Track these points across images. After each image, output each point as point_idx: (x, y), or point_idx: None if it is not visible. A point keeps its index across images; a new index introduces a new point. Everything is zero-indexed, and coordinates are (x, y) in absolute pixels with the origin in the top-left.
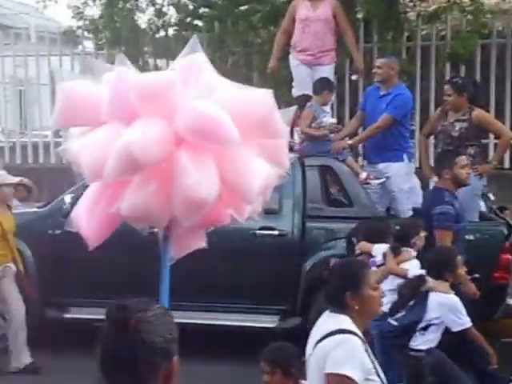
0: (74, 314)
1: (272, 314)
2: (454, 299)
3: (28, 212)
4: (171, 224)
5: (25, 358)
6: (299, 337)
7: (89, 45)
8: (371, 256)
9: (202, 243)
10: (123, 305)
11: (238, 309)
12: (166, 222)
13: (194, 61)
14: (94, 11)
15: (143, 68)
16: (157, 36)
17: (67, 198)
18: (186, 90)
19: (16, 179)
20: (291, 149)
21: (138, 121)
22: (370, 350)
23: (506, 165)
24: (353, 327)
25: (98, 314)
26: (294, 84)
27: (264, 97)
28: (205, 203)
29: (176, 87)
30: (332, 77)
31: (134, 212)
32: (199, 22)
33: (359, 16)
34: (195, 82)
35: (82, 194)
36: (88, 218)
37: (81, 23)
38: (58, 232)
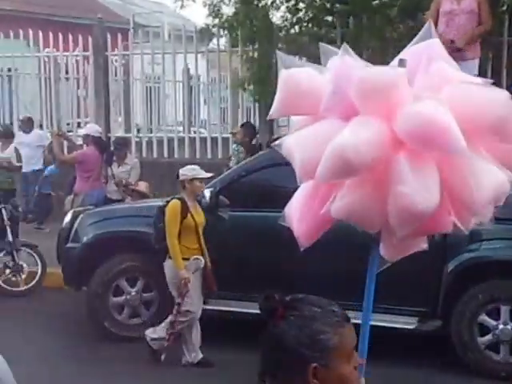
0: (212, 305)
1: (410, 316)
2: None
3: None
4: (384, 229)
5: (198, 354)
6: (439, 340)
7: (221, 42)
8: None
9: (423, 245)
10: (272, 296)
11: (376, 309)
12: (379, 227)
13: (425, 49)
14: (228, 9)
15: (277, 66)
16: (290, 33)
17: (206, 192)
18: (412, 85)
19: (208, 174)
20: None
21: (355, 119)
22: None
23: None
24: None
25: (233, 307)
26: None
27: (501, 97)
28: (421, 216)
29: (402, 85)
30: (476, 72)
31: (344, 215)
32: (333, 18)
33: (504, 8)
34: (424, 74)
35: (219, 188)
36: (300, 218)
37: (216, 21)
38: None
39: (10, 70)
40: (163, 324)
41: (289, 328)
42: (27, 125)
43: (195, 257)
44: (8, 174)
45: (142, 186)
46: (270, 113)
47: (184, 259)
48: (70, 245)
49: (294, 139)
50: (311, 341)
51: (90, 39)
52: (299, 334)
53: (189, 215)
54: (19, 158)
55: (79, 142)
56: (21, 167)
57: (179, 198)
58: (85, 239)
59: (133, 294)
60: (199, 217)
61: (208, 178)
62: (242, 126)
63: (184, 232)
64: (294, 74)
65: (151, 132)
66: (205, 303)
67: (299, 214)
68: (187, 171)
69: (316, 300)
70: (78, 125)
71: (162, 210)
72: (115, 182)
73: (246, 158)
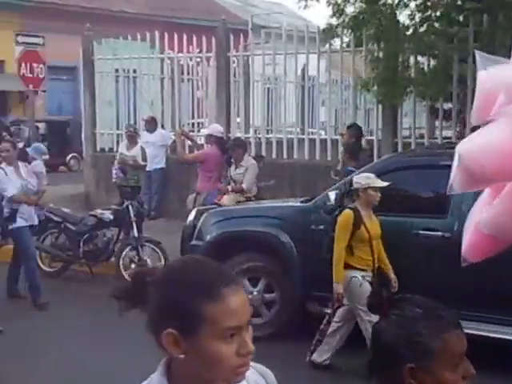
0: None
1: None
2: None
3: (292, 206)
4: None
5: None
6: None
7: (339, 43)
8: None
9: None
10: (379, 293)
11: (484, 318)
12: None
13: None
14: (352, 9)
15: (403, 66)
16: (417, 32)
17: (331, 195)
18: None
19: (384, 183)
20: None
21: (490, 124)
22: None
23: None
24: None
25: None
26: None
27: None
28: None
29: None
30: None
31: (492, 229)
32: (464, 16)
33: None
34: None
35: (344, 191)
36: (467, 230)
37: (340, 21)
38: (321, 227)
39: (135, 71)
40: (325, 347)
41: (389, 326)
42: (151, 124)
43: (353, 275)
44: (134, 171)
45: (225, 201)
46: (471, 119)
47: (358, 269)
48: (193, 242)
49: (465, 141)
50: (408, 341)
51: (213, 40)
52: (397, 333)
53: (362, 226)
54: (144, 156)
55: (200, 142)
56: (145, 166)
57: (352, 208)
58: (208, 237)
59: (254, 293)
60: (374, 227)
61: (384, 187)
62: (349, 127)
63: (357, 243)
64: (489, 75)
65: (269, 133)
66: (327, 306)
67: (467, 225)
68: (361, 179)
69: (422, 302)
70: (198, 125)
71: (335, 218)
72: (219, 188)
73: (344, 158)
